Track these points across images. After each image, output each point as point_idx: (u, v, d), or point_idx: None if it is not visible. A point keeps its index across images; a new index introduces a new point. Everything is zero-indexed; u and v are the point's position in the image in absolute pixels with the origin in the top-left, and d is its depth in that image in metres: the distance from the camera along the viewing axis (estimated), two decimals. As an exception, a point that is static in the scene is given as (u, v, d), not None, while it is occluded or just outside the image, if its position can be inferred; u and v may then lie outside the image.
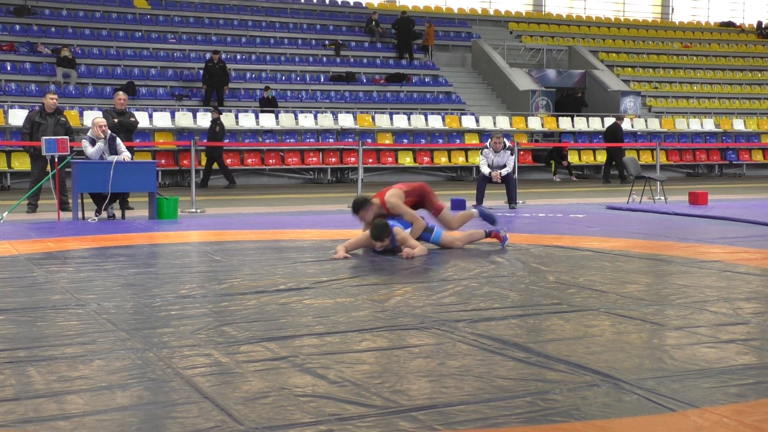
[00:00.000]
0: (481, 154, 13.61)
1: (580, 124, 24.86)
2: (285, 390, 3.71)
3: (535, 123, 24.33)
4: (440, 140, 22.78)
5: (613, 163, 21.16)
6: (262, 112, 21.45)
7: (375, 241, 7.90)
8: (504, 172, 13.22)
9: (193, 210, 12.51)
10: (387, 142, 21.91)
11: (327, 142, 21.20)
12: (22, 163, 17.65)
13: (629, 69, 29.40)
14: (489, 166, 13.32)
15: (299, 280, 6.47)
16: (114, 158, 11.04)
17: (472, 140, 22.30)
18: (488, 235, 8.63)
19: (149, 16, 25.36)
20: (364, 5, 29.35)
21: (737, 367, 4.11)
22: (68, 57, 21.29)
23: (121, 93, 13.07)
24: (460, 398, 3.62)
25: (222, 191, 17.92)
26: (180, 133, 19.95)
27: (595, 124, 24.92)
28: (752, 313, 5.40)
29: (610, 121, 25.01)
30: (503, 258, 7.80)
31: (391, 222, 8.04)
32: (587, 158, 24.23)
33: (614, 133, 21.06)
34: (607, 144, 21.30)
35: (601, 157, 24.17)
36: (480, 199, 13.18)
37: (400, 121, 22.55)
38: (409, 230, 8.11)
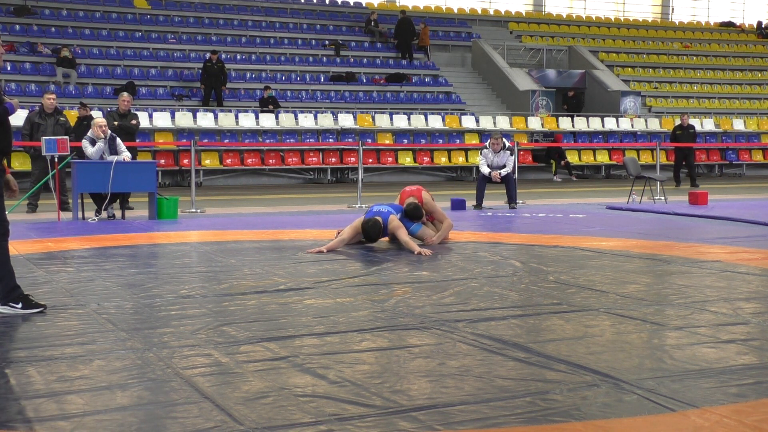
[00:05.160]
0: (481, 154, 13.64)
1: (580, 124, 24.85)
2: (285, 390, 3.71)
3: (535, 123, 24.32)
4: (440, 140, 22.78)
5: (683, 163, 19.98)
6: (262, 112, 21.44)
7: (369, 243, 8.38)
8: (504, 172, 13.24)
9: (193, 210, 12.51)
10: (387, 142, 21.90)
11: (327, 142, 21.20)
12: (22, 163, 17.64)
13: (629, 69, 29.40)
14: (488, 166, 13.35)
15: (299, 280, 6.47)
16: (114, 158, 11.05)
17: (472, 140, 22.30)
18: None
19: (149, 16, 25.36)
20: (364, 5, 29.34)
21: (737, 367, 4.11)
22: (68, 57, 21.29)
23: (125, 94, 13.02)
24: (460, 398, 3.62)
25: (222, 191, 17.91)
26: (180, 133, 19.95)
27: (595, 124, 24.91)
28: (752, 313, 5.39)
29: (610, 120, 25.05)
30: (503, 258, 7.80)
31: (387, 208, 8.51)
32: (587, 158, 24.22)
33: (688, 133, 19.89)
34: (678, 144, 19.75)
35: (602, 157, 24.20)
36: (480, 199, 13.21)
37: (400, 121, 22.54)
38: (421, 229, 8.61)
